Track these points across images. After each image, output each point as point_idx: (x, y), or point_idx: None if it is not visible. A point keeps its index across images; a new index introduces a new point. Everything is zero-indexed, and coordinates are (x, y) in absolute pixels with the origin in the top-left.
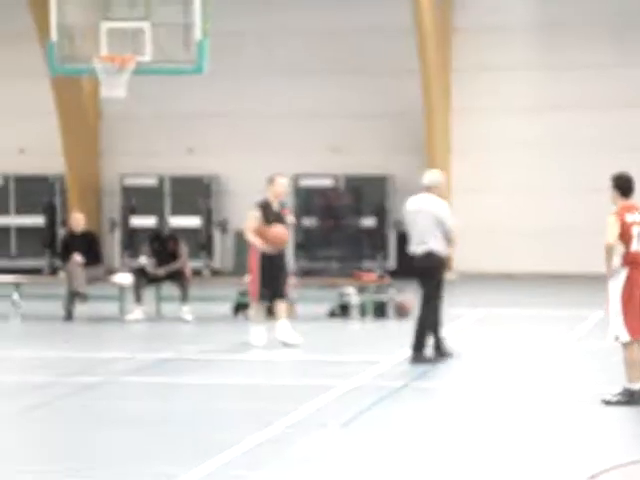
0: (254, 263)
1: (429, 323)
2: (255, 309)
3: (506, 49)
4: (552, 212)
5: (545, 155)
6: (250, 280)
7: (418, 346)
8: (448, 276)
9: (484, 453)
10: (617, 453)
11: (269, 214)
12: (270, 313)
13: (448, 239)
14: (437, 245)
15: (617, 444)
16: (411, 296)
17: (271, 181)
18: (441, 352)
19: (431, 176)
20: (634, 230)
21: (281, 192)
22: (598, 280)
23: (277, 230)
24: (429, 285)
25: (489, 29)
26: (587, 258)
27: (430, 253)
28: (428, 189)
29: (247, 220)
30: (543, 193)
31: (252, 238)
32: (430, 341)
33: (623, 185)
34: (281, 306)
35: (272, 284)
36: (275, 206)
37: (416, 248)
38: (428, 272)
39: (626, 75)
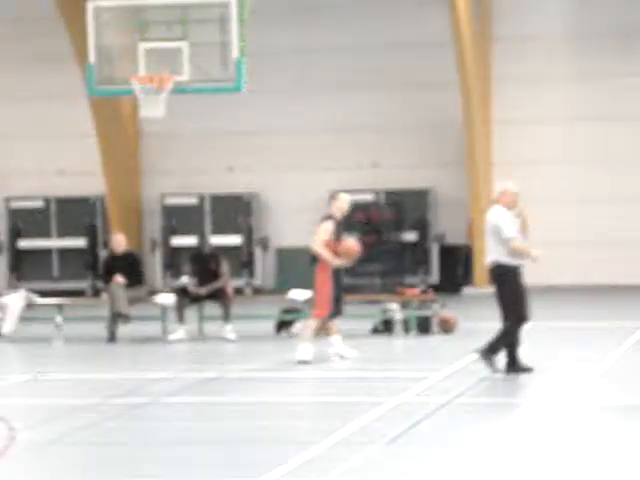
0: (323, 279)
1: (510, 334)
2: (316, 327)
3: (544, 58)
4: (596, 223)
5: (587, 166)
6: (320, 297)
7: (492, 349)
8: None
9: (533, 471)
10: None
11: (338, 228)
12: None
13: (509, 248)
14: (499, 256)
15: None
16: (454, 311)
17: (334, 197)
18: (516, 368)
19: (498, 186)
20: None
21: (345, 208)
22: None
23: (350, 243)
24: (504, 295)
25: (528, 38)
26: (634, 268)
27: (493, 263)
28: (496, 200)
29: (318, 233)
30: (586, 204)
31: (323, 251)
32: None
33: None
34: (335, 322)
35: (338, 302)
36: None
37: (487, 259)
38: (496, 282)
39: None
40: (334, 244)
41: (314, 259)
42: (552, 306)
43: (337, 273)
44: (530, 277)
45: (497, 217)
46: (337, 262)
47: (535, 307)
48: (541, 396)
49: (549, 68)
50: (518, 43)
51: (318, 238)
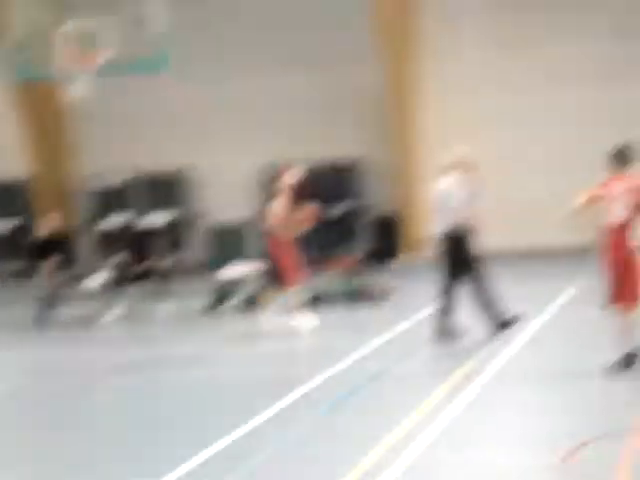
0: (281, 252)
1: (484, 295)
2: (297, 294)
3: (469, 30)
4: (520, 190)
5: (512, 133)
6: (284, 268)
7: (495, 317)
8: (420, 260)
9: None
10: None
11: (293, 198)
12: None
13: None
14: (453, 222)
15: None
16: (389, 281)
17: (285, 170)
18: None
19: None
20: None
21: (291, 182)
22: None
23: (306, 210)
24: (459, 263)
25: (452, 12)
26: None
27: (449, 232)
28: (451, 167)
29: (274, 209)
30: (517, 178)
31: (281, 224)
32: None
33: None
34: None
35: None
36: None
37: (440, 229)
38: (451, 250)
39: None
40: (287, 217)
41: (266, 234)
42: None
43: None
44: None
45: (448, 185)
46: (296, 231)
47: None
48: (472, 364)
49: (475, 38)
50: (443, 16)
51: (274, 213)
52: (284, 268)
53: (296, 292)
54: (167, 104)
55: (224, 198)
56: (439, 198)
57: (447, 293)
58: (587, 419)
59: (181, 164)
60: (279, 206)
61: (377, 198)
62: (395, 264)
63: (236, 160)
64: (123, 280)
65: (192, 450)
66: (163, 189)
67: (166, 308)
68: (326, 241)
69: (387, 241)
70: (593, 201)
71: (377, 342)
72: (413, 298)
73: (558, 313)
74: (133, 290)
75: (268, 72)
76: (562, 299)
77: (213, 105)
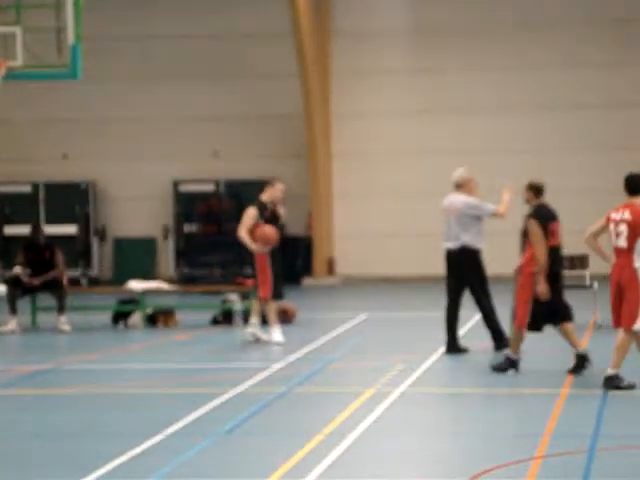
0: (260, 263)
1: (490, 311)
2: (272, 308)
3: (384, 53)
4: (430, 216)
5: (424, 159)
6: (260, 279)
7: (499, 335)
8: (331, 280)
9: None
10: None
11: (265, 214)
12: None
13: (496, 214)
14: (471, 241)
15: (499, 444)
16: (294, 302)
17: (271, 184)
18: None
19: (460, 173)
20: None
21: (279, 197)
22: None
23: (265, 229)
24: (474, 278)
25: (367, 33)
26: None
27: (464, 248)
28: (457, 187)
29: (243, 218)
30: (422, 197)
31: (244, 236)
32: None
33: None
34: (273, 306)
35: (276, 284)
36: (270, 208)
37: (450, 244)
38: (465, 266)
39: (495, 79)
40: (255, 229)
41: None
42: (392, 297)
43: (274, 257)
44: (370, 268)
45: (467, 202)
46: (254, 247)
47: (374, 298)
48: (378, 383)
49: (387, 62)
50: (357, 37)
51: (242, 223)
52: (258, 281)
53: (270, 305)
54: (78, 113)
55: (133, 212)
56: (450, 214)
57: (479, 303)
58: (498, 444)
59: (90, 176)
60: (246, 217)
61: (289, 218)
62: (304, 285)
63: (148, 174)
64: (24, 291)
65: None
66: (70, 200)
67: (68, 320)
68: (236, 260)
69: (298, 262)
70: (599, 232)
71: (287, 360)
72: (319, 319)
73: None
74: (34, 301)
75: (185, 84)
76: None
77: (126, 116)
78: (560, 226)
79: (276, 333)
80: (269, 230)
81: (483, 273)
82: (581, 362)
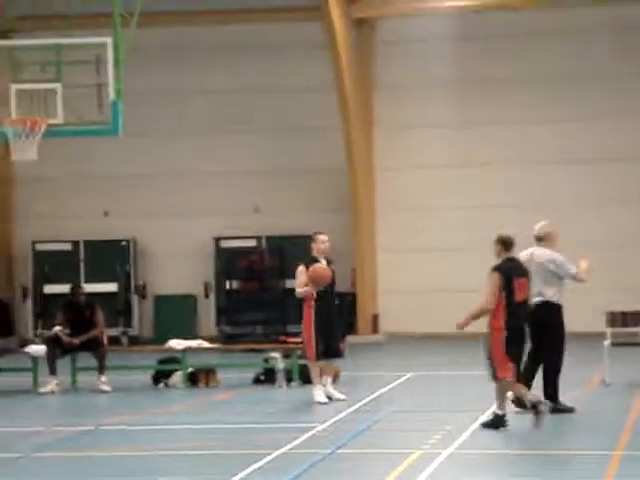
0: (305, 321)
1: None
2: (313, 369)
3: (427, 106)
4: (475, 271)
5: (469, 213)
6: (305, 340)
7: (555, 396)
8: (375, 337)
9: None
10: None
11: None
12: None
13: (579, 280)
14: (553, 296)
15: None
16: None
17: (312, 239)
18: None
19: (541, 226)
20: None
21: (323, 248)
22: None
23: (316, 267)
24: (555, 333)
25: (410, 85)
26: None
27: (547, 304)
28: (539, 240)
29: (296, 278)
30: (467, 252)
31: (300, 290)
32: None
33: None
34: (332, 366)
35: (329, 341)
36: (323, 262)
37: (535, 299)
38: (548, 320)
39: (538, 131)
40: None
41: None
42: (437, 354)
43: (326, 313)
44: (414, 324)
45: (554, 256)
46: (306, 289)
47: (419, 355)
48: (425, 444)
49: (430, 115)
50: (400, 89)
51: (296, 284)
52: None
53: (313, 365)
54: (118, 169)
55: (173, 269)
56: (537, 267)
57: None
58: None
59: (130, 233)
60: (298, 275)
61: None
62: (348, 342)
63: (188, 230)
64: (64, 351)
65: None
66: (110, 257)
67: (108, 380)
68: (279, 317)
69: (340, 318)
70: None
71: (332, 421)
72: (363, 378)
73: None
74: (74, 361)
75: (226, 138)
76: None
77: (166, 172)
78: (527, 282)
79: (315, 395)
80: (319, 267)
81: (563, 331)
82: (496, 422)
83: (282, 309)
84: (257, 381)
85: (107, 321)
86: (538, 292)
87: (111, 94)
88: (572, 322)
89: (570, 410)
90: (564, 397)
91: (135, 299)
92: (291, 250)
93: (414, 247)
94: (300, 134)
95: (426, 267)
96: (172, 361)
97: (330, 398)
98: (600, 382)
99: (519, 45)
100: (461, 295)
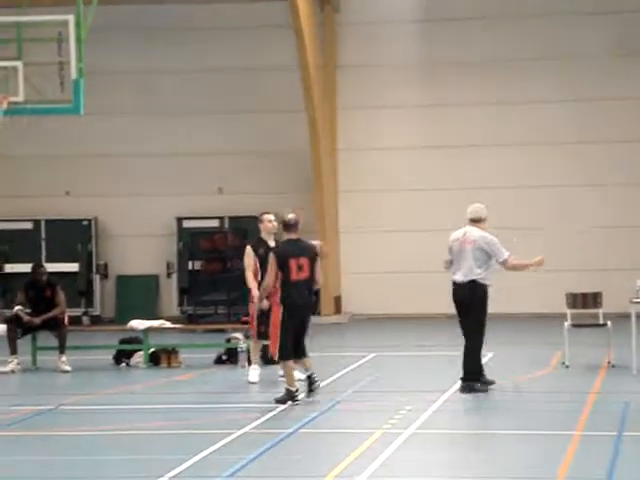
0: (273, 310)
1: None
2: (255, 347)
3: (391, 87)
4: (437, 253)
5: (431, 195)
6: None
7: (474, 376)
8: (338, 318)
9: None
10: None
11: (260, 251)
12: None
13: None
14: (480, 275)
15: None
16: None
17: (259, 219)
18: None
19: (474, 208)
20: None
21: (270, 227)
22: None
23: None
24: (479, 312)
25: (374, 67)
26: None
27: (474, 283)
28: (472, 221)
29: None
30: (430, 234)
31: (249, 282)
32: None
33: None
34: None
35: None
36: (271, 243)
37: (462, 278)
38: (473, 300)
39: (502, 112)
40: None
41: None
42: (397, 335)
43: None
44: (376, 306)
45: (489, 238)
46: (256, 293)
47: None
48: (387, 424)
49: (395, 97)
50: (362, 70)
51: (245, 264)
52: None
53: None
54: (80, 149)
55: (135, 249)
56: (464, 246)
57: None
58: None
59: (92, 211)
60: (245, 259)
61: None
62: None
63: (150, 210)
64: (24, 330)
65: None
66: (72, 237)
67: (68, 360)
68: (242, 297)
69: None
70: None
71: (286, 404)
72: (326, 359)
73: None
74: (35, 340)
75: (189, 119)
76: None
77: (129, 152)
78: (305, 262)
79: (252, 373)
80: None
81: (486, 310)
82: (287, 397)
83: (244, 289)
84: (219, 361)
85: (68, 301)
86: (467, 271)
87: (73, 73)
88: (535, 304)
89: (491, 382)
90: (524, 378)
91: (97, 279)
92: (254, 231)
93: (377, 228)
94: (264, 115)
95: (389, 249)
96: (134, 341)
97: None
98: (560, 363)
99: (485, 26)
100: (423, 276)
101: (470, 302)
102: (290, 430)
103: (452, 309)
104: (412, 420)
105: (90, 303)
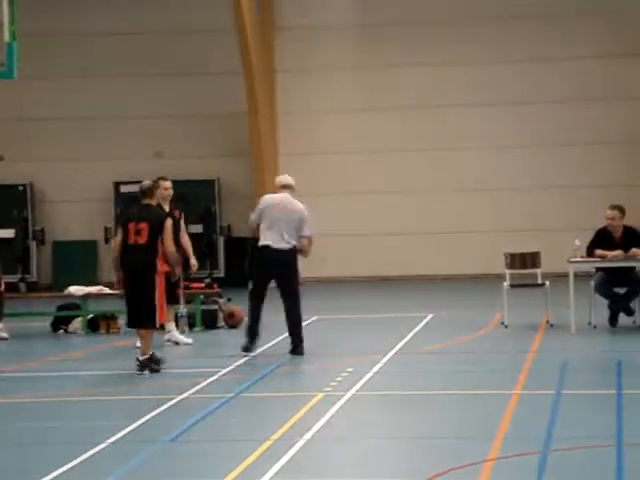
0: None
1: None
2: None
3: (331, 49)
4: (380, 215)
5: (372, 157)
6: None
7: (300, 340)
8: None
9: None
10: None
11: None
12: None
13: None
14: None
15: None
16: (241, 305)
17: (156, 185)
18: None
19: (284, 176)
20: None
21: (165, 194)
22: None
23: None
24: (296, 279)
25: (312, 28)
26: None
27: (293, 250)
28: (284, 187)
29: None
30: (370, 195)
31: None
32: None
33: None
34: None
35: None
36: (166, 208)
37: (281, 245)
38: (291, 267)
39: (448, 74)
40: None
41: None
42: (342, 298)
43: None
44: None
45: (304, 213)
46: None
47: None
48: (328, 386)
49: (334, 59)
50: (300, 32)
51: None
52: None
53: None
54: (14, 113)
55: (72, 214)
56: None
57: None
58: (450, 447)
59: (27, 176)
60: (167, 232)
61: (235, 219)
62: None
63: (87, 175)
64: None
65: None
66: (7, 203)
67: (5, 327)
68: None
69: (244, 264)
70: None
71: (234, 365)
72: (267, 322)
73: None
74: None
75: (126, 83)
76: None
77: (65, 116)
78: (146, 227)
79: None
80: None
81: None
82: (147, 364)
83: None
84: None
85: (4, 267)
86: (286, 237)
87: (6, 35)
88: (476, 264)
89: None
90: (464, 338)
91: (33, 245)
92: (193, 195)
93: (318, 192)
94: (202, 78)
95: (327, 212)
96: (72, 307)
97: (177, 343)
98: (499, 324)
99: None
100: (362, 239)
101: (287, 269)
102: (231, 394)
103: (391, 271)
104: (354, 382)
105: (27, 269)
